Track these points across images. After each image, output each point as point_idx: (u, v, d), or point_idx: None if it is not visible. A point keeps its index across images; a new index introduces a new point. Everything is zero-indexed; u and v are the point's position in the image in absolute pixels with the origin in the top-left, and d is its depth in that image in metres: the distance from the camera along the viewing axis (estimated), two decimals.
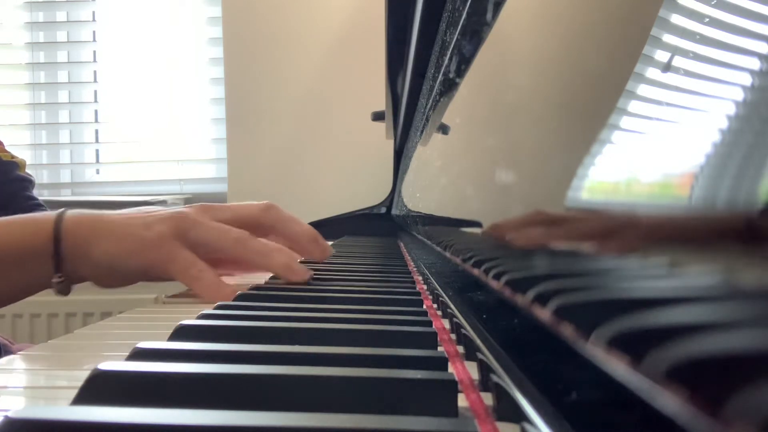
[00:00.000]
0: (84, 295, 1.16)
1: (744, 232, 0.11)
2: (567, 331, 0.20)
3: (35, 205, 1.04)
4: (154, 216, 0.55)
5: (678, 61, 0.15)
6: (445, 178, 0.55)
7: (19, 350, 0.40)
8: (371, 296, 0.47)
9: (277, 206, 0.60)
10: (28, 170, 1.07)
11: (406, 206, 1.01)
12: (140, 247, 0.53)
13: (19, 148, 1.86)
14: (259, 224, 0.58)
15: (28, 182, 1.05)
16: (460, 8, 0.53)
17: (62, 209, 0.55)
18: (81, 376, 0.23)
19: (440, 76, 0.65)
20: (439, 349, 0.33)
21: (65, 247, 0.53)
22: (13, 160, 1.04)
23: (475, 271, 0.35)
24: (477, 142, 0.42)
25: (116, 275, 0.55)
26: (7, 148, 1.05)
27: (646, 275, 0.16)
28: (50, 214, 0.55)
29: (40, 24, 1.91)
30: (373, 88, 1.56)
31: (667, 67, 0.16)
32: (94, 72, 1.91)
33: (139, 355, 0.26)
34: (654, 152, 0.16)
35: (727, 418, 0.11)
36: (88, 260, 0.54)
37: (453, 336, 0.37)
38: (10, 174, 1.02)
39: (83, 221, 0.54)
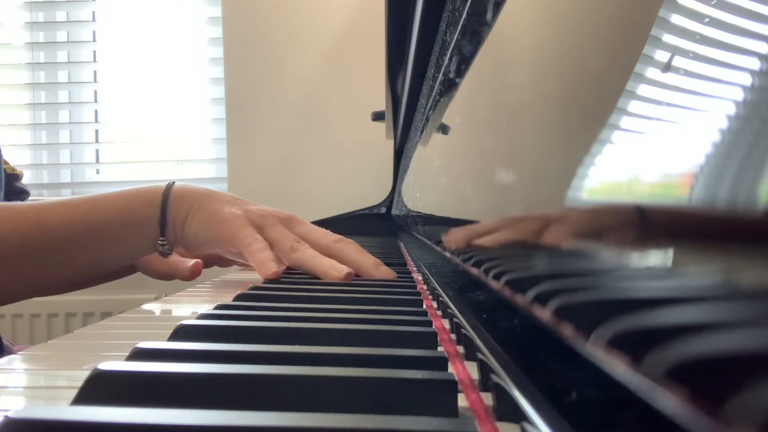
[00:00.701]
0: (84, 295, 1.16)
1: (744, 232, 0.11)
2: (567, 331, 0.20)
3: None
4: (244, 206, 0.64)
5: (678, 61, 0.15)
6: (445, 178, 0.55)
7: (20, 351, 0.40)
8: (371, 296, 0.47)
9: (344, 240, 0.65)
10: (26, 172, 1.07)
11: (406, 206, 1.01)
12: (218, 222, 0.62)
13: (19, 148, 1.87)
14: (331, 254, 0.63)
15: (26, 194, 1.06)
16: (460, 8, 0.53)
17: (172, 181, 0.64)
18: (81, 376, 0.23)
19: (440, 76, 0.65)
20: (439, 349, 0.33)
21: (169, 215, 0.62)
22: (14, 172, 1.04)
23: (475, 271, 0.35)
24: (477, 142, 0.42)
25: (197, 242, 0.64)
26: (3, 157, 1.05)
27: (646, 275, 0.16)
28: (160, 185, 0.64)
29: (40, 24, 1.90)
30: (373, 88, 1.56)
31: (667, 67, 0.16)
32: (94, 72, 1.91)
33: (138, 355, 0.26)
34: (654, 152, 0.16)
35: (727, 418, 0.11)
36: (182, 228, 0.63)
37: (453, 336, 0.37)
38: (11, 186, 1.02)
39: (187, 194, 0.63)
